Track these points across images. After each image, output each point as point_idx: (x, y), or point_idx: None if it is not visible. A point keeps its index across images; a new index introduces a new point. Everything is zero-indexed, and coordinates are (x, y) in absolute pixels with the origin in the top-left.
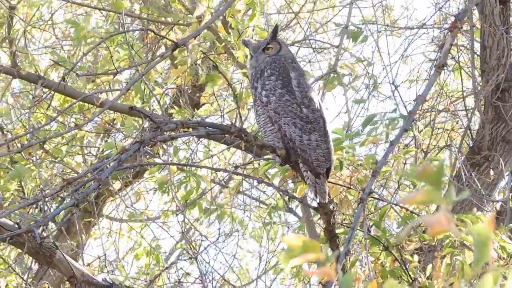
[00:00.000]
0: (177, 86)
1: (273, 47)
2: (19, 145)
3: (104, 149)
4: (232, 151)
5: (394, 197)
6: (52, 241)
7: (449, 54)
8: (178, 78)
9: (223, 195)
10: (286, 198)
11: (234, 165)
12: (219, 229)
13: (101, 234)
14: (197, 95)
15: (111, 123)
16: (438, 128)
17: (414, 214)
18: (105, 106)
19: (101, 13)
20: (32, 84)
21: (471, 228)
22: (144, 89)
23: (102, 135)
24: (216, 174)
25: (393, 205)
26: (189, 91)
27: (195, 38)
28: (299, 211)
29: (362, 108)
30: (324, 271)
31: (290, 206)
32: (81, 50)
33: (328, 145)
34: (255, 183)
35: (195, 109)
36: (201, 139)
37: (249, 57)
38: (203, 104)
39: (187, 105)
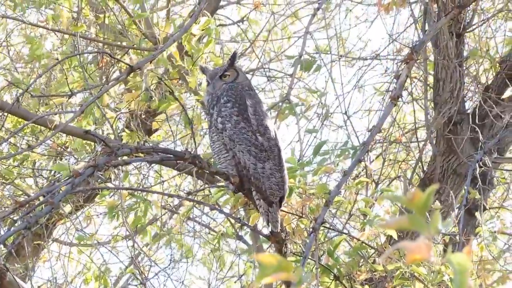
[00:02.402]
0: (130, 111)
1: (231, 74)
2: None
3: (55, 172)
4: (182, 177)
5: (345, 227)
6: (2, 263)
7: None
8: (131, 103)
9: (173, 221)
10: (237, 225)
11: (186, 191)
12: (171, 255)
13: (50, 257)
14: (150, 121)
15: (63, 146)
16: (390, 159)
17: (365, 245)
18: (57, 129)
19: (57, 36)
20: None
21: (450, 257)
22: (95, 113)
23: (53, 158)
24: (167, 200)
25: (345, 235)
26: (143, 116)
27: (150, 62)
28: (249, 239)
29: (315, 137)
30: None
31: (240, 233)
32: (36, 72)
33: (282, 173)
34: (207, 209)
35: (148, 136)
36: (152, 165)
37: (205, 83)
38: (156, 129)
39: (139, 129)
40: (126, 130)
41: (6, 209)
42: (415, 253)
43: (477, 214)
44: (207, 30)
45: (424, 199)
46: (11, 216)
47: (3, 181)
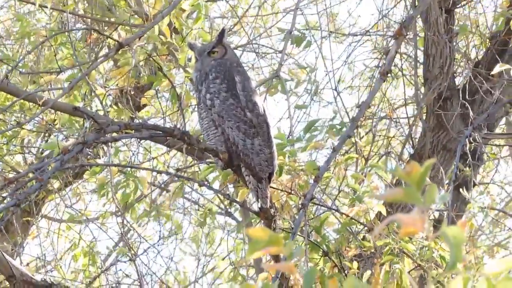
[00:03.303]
0: (119, 87)
1: (219, 51)
2: None
3: (44, 149)
4: (172, 154)
5: (334, 203)
6: None
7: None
8: (120, 79)
9: (163, 198)
10: (226, 202)
11: (175, 168)
12: (160, 231)
13: (39, 234)
14: (139, 97)
15: (52, 123)
16: (380, 135)
17: (354, 221)
18: (47, 106)
19: (45, 12)
20: None
21: (446, 230)
22: (86, 89)
23: (42, 134)
24: (156, 177)
25: (333, 212)
26: (132, 93)
27: (139, 38)
28: (238, 215)
29: (304, 113)
30: (285, 266)
31: (229, 210)
32: (25, 48)
33: (271, 150)
34: (196, 186)
35: (137, 111)
36: (142, 141)
37: (193, 59)
38: (145, 105)
39: (128, 106)
40: (114, 106)
41: None
42: (409, 225)
43: (462, 190)
44: (196, 6)
45: (421, 172)
46: (1, 193)
47: None
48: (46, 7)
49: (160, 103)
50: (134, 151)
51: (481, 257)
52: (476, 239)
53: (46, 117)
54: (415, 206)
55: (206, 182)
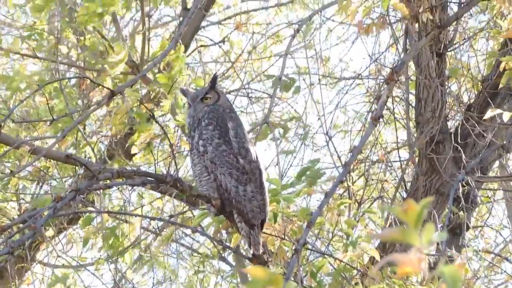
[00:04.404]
0: (111, 135)
1: (212, 96)
2: None
3: (38, 195)
4: (164, 199)
5: (327, 248)
6: None
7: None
8: (113, 127)
9: (156, 243)
10: (220, 247)
11: (169, 214)
12: (153, 277)
13: (34, 280)
14: (129, 144)
15: (45, 171)
16: (372, 179)
17: (348, 266)
18: (40, 154)
19: (39, 61)
20: None
21: (443, 269)
22: (77, 137)
23: (36, 181)
24: (150, 222)
25: (328, 259)
26: (123, 140)
27: (131, 86)
28: (232, 260)
29: (295, 158)
30: None
31: (223, 255)
32: (16, 98)
33: (263, 196)
34: (189, 231)
35: (129, 159)
36: (134, 188)
37: (186, 105)
38: (134, 154)
39: (120, 154)
40: (108, 153)
41: None
42: (406, 265)
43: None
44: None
45: (418, 211)
46: None
47: None
48: (37, 57)
49: (151, 150)
50: (127, 197)
51: None
52: (473, 282)
53: (40, 164)
54: (410, 248)
55: (199, 228)
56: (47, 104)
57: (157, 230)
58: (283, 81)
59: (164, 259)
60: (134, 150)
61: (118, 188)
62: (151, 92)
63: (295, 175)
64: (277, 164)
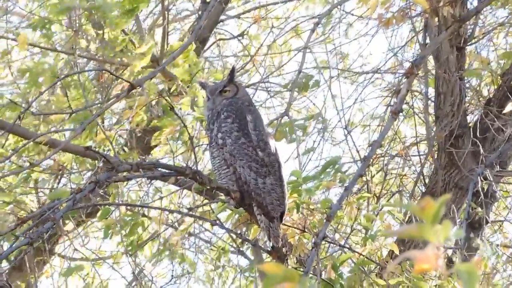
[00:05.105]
0: (130, 129)
1: (230, 89)
2: None
3: (57, 187)
4: (181, 193)
5: (346, 242)
6: (5, 279)
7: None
8: (133, 119)
9: (175, 237)
10: (239, 241)
11: (187, 207)
12: (172, 270)
13: (53, 273)
14: (149, 138)
15: (63, 165)
16: (391, 174)
17: (367, 260)
18: (59, 147)
19: (57, 53)
20: None
21: (459, 267)
22: (97, 130)
23: (55, 175)
24: (168, 216)
25: (351, 254)
26: (139, 135)
27: (151, 79)
28: (250, 253)
29: (314, 152)
30: None
31: (241, 249)
32: (36, 89)
33: (282, 189)
34: (208, 225)
35: (148, 153)
36: (153, 181)
37: (205, 99)
38: (155, 146)
39: (138, 147)
40: (125, 148)
41: (9, 225)
42: (423, 262)
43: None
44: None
45: (435, 207)
46: (14, 232)
47: (5, 200)
48: (56, 50)
49: (170, 146)
50: (145, 191)
51: None
52: (491, 277)
53: (58, 157)
54: (428, 243)
55: (217, 221)
56: (66, 97)
57: (175, 224)
58: (301, 78)
59: (183, 251)
60: (153, 142)
61: (137, 182)
62: (169, 86)
63: (317, 170)
64: (296, 157)
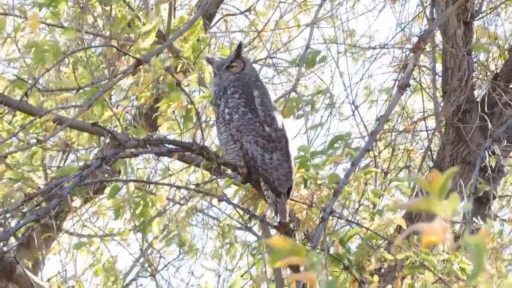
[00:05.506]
0: (138, 104)
1: (237, 65)
2: None
3: (64, 164)
4: (189, 170)
5: (354, 217)
6: (12, 255)
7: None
8: (139, 96)
9: (182, 214)
10: (246, 217)
11: (194, 183)
12: (180, 246)
13: (60, 250)
14: (155, 116)
15: (70, 142)
16: (399, 149)
17: (375, 234)
18: (65, 123)
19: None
20: None
21: (467, 239)
22: (103, 108)
23: (62, 151)
24: (176, 193)
25: (359, 229)
26: (148, 110)
27: (157, 55)
28: (258, 230)
29: (322, 128)
30: (306, 276)
31: (248, 225)
32: (43, 66)
33: (289, 164)
34: (214, 202)
35: (156, 130)
36: (161, 158)
37: (212, 74)
38: (159, 125)
39: (146, 123)
40: (135, 123)
41: (16, 202)
42: (431, 235)
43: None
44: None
45: (443, 180)
46: (21, 209)
47: (12, 177)
48: (62, 26)
49: (178, 123)
50: (153, 167)
51: (505, 272)
52: (501, 251)
53: (66, 134)
54: (436, 217)
55: (225, 197)
56: (73, 73)
57: (183, 200)
58: (308, 53)
59: (191, 229)
60: (160, 121)
61: (144, 158)
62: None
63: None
64: (305, 133)
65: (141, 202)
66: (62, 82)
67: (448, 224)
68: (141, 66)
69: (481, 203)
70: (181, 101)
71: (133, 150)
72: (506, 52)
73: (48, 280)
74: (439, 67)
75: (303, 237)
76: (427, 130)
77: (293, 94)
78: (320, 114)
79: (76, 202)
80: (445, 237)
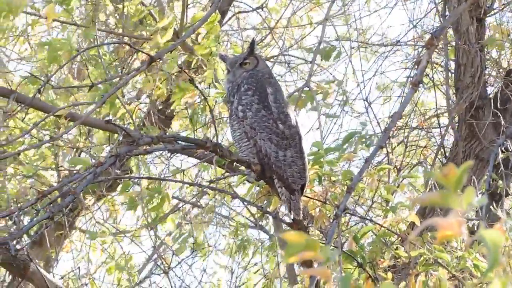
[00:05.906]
0: (150, 101)
1: (250, 62)
2: None
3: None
4: (202, 167)
5: (367, 214)
6: (26, 253)
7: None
8: (152, 94)
9: (196, 211)
10: (258, 214)
11: (208, 180)
12: (193, 243)
13: (73, 247)
14: (168, 112)
15: (83, 139)
16: (412, 145)
17: (388, 231)
18: (79, 120)
19: (76, 28)
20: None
21: (483, 234)
22: (117, 104)
23: (75, 150)
24: (188, 190)
25: (373, 226)
26: (162, 107)
27: (170, 52)
28: (270, 228)
29: (335, 124)
30: (320, 271)
31: (260, 223)
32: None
33: (303, 161)
34: (225, 199)
35: (169, 127)
36: (174, 155)
37: (225, 71)
38: (172, 121)
39: (159, 121)
40: (146, 122)
41: (30, 199)
42: (446, 229)
43: (493, 207)
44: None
45: (458, 174)
46: (34, 206)
47: (25, 174)
48: (75, 24)
49: (191, 121)
50: (166, 164)
51: None
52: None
53: (76, 132)
54: (450, 214)
55: (238, 194)
56: (87, 70)
57: (195, 197)
58: (323, 48)
59: (203, 226)
60: (174, 119)
61: (157, 155)
62: (190, 60)
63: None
64: (318, 128)
65: (156, 195)
66: (74, 82)
67: (464, 218)
68: (154, 63)
69: (494, 200)
70: (194, 93)
71: (146, 147)
72: None
73: (62, 277)
74: (451, 63)
75: (317, 234)
76: (440, 127)
77: (306, 91)
78: (333, 110)
79: (89, 200)
80: (460, 231)
